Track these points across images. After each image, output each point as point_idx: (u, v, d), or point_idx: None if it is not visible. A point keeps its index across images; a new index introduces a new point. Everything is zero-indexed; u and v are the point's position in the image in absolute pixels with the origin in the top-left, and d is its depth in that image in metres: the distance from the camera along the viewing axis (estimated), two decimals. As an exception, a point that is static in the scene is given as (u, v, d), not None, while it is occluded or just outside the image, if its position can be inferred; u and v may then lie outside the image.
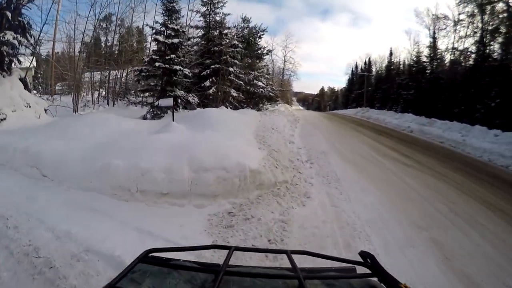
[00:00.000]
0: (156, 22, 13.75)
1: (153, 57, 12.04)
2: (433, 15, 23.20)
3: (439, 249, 4.23)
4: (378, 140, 12.39)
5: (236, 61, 15.63)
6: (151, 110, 12.05)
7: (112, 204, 4.97)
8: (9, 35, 10.24)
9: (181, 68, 11.97)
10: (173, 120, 7.37)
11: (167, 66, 11.68)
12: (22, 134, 7.68)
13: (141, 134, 6.67)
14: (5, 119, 9.52)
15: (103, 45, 24.03)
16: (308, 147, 9.79)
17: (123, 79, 20.62)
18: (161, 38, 11.96)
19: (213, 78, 14.73)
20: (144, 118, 12.30)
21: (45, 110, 11.54)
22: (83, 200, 5.04)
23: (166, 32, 12.31)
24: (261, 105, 18.47)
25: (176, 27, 12.14)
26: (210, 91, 14.30)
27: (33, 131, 7.88)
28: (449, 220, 5.16)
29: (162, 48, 12.42)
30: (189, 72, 13.02)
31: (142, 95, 14.61)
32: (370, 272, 1.05)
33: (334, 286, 1.01)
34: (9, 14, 10.49)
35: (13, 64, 11.30)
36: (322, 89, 72.70)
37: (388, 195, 6.14)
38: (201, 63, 15.69)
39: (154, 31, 12.96)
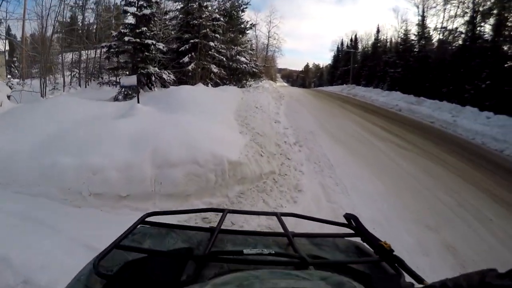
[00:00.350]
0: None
1: (122, 30, 10.53)
2: (424, -9, 22.56)
3: (454, 255, 3.68)
4: (367, 118, 11.81)
5: (217, 35, 14.56)
6: (122, 90, 10.75)
7: (62, 213, 3.99)
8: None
9: (154, 43, 10.55)
10: (138, 102, 6.21)
11: (138, 40, 10.26)
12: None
13: (101, 120, 5.55)
14: (-40, 109, 8.20)
15: (80, 24, 22.02)
16: (295, 127, 9.13)
17: (97, 58, 18.92)
18: (130, 10, 10.45)
19: (192, 53, 13.54)
20: (116, 99, 11.03)
21: (9, 97, 10.09)
22: (29, 209, 4.00)
23: (138, 3, 10.80)
24: (244, 81, 17.36)
25: (147, -3, 10.62)
26: (189, 67, 13.14)
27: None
28: (457, 215, 4.60)
29: (133, 21, 10.95)
30: (163, 47, 11.65)
31: (114, 73, 13.07)
32: (353, 232, 1.10)
33: (321, 245, 1.06)
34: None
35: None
36: (307, 65, 70.67)
37: (387, 184, 5.50)
38: (179, 38, 14.48)
39: (124, 2, 11.41)
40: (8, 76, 21.02)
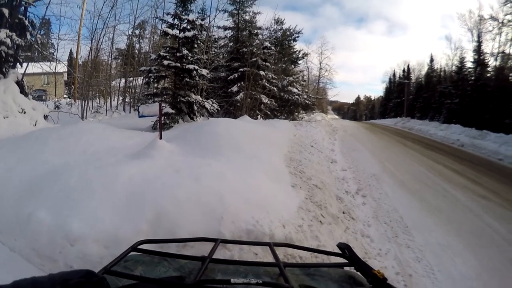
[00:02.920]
0: (168, 13, 10.83)
1: (162, 53, 9.13)
2: (478, 15, 20.67)
3: None
4: (431, 157, 9.68)
5: (268, 64, 13.18)
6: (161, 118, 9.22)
7: None
8: (3, 33, 8.03)
9: (197, 68, 9.08)
10: (160, 137, 4.55)
11: (179, 65, 8.82)
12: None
13: (108, 160, 3.97)
14: (-7, 127, 7.40)
15: (137, 52, 22.45)
16: (354, 168, 7.50)
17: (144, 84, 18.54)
18: (171, 31, 9.06)
19: (241, 82, 12.12)
20: (154, 128, 9.67)
21: (46, 117, 9.26)
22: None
23: (180, 26, 9.48)
24: (296, 113, 15.58)
25: (190, 19, 9.15)
26: (238, 97, 11.66)
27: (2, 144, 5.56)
28: None
29: (176, 44, 9.59)
30: (208, 73, 10.21)
31: (154, 101, 11.70)
32: (347, 262, 1.03)
33: (314, 275, 0.98)
34: (6, 11, 8.27)
35: (17, 66, 9.33)
36: (358, 97, 68.28)
37: (484, 263, 3.46)
38: (228, 66, 13.27)
39: (164, 24, 10.07)
40: (65, 96, 21.47)
